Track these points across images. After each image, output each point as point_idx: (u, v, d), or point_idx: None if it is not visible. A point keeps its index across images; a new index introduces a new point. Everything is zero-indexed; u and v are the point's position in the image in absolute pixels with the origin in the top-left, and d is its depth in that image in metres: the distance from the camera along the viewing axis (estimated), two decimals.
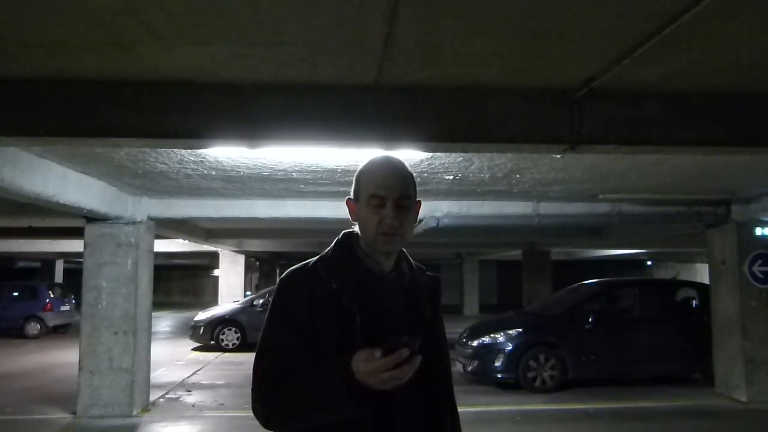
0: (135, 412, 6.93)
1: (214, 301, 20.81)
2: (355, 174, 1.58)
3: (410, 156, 4.84)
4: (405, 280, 1.58)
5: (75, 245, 11.71)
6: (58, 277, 23.67)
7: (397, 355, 1.23)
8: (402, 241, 1.53)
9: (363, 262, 1.54)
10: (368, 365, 1.25)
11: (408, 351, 1.24)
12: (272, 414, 1.42)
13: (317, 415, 1.36)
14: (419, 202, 1.60)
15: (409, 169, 1.59)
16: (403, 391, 1.41)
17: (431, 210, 7.68)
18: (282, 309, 1.49)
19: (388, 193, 1.49)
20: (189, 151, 4.83)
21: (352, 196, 1.58)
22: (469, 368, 8.79)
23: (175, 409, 7.45)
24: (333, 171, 5.71)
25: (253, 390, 1.45)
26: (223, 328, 12.85)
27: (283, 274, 1.56)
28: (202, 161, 5.30)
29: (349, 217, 1.59)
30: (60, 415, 7.00)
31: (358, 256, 1.54)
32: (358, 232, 1.57)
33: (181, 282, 33.49)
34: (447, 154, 5.02)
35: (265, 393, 1.42)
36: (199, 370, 10.37)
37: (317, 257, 1.56)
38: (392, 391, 1.34)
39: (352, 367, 1.27)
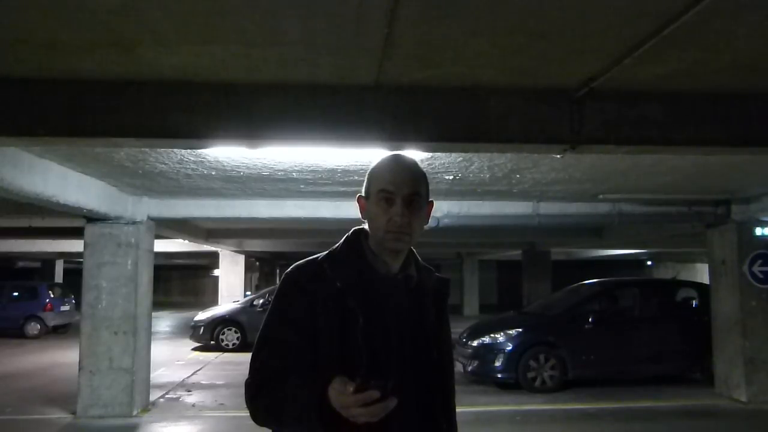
0: (135, 412, 6.93)
1: (214, 301, 20.79)
2: (367, 171, 1.56)
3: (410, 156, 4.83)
4: (412, 283, 1.54)
5: (75, 245, 11.72)
6: (58, 277, 23.64)
7: (366, 395, 1.20)
8: (410, 241, 1.50)
9: (370, 263, 1.51)
10: (339, 398, 1.23)
11: (378, 393, 1.21)
12: (258, 411, 1.43)
13: (295, 425, 1.36)
14: (431, 202, 1.57)
15: (422, 168, 1.56)
16: (401, 397, 1.40)
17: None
18: (283, 306, 1.48)
19: (398, 190, 1.46)
20: (189, 151, 4.83)
21: (363, 194, 1.55)
22: (469, 368, 8.78)
23: (175, 409, 7.45)
24: (333, 171, 5.71)
25: (246, 384, 1.45)
26: (223, 328, 12.85)
27: (288, 270, 1.52)
28: (202, 161, 5.30)
29: (359, 215, 1.57)
30: (60, 415, 6.99)
31: (366, 256, 1.52)
32: (368, 229, 1.55)
33: (181, 282, 33.47)
34: (447, 154, 5.01)
35: (255, 389, 1.43)
36: (199, 370, 10.37)
37: (326, 252, 1.54)
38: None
39: (328, 391, 1.26)
